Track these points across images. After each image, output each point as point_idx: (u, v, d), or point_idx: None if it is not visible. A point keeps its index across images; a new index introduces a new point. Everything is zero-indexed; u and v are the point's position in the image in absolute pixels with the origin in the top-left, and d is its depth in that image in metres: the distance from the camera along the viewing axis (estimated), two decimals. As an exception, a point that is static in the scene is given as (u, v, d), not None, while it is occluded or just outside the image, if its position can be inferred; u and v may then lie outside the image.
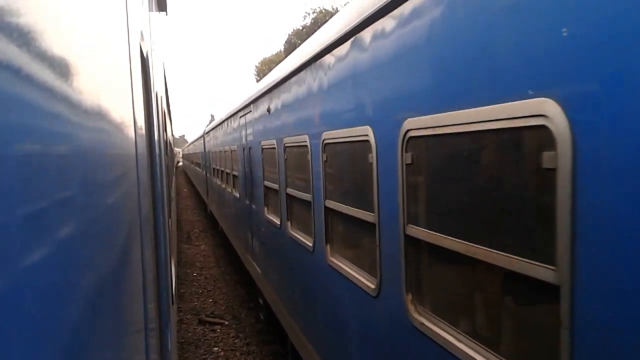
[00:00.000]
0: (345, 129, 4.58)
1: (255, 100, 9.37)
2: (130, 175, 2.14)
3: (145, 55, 3.38)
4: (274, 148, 7.60)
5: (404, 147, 3.40)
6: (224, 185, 16.90)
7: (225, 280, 15.18)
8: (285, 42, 63.58)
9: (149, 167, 3.44)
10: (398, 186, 3.53)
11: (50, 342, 0.86)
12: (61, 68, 1.01)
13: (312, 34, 6.72)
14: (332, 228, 5.42)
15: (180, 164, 77.08)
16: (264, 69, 64.11)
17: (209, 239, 22.36)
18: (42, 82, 0.87)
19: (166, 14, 7.93)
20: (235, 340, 10.53)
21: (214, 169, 21.13)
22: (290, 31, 64.24)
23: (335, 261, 5.16)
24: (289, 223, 7.21)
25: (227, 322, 11.58)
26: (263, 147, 8.69)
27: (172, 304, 6.33)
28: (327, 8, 59.14)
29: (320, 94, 5.29)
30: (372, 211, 4.04)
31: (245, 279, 13.57)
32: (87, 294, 1.16)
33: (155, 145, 4.15)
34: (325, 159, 5.28)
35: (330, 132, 5.00)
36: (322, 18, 52.66)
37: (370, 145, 3.96)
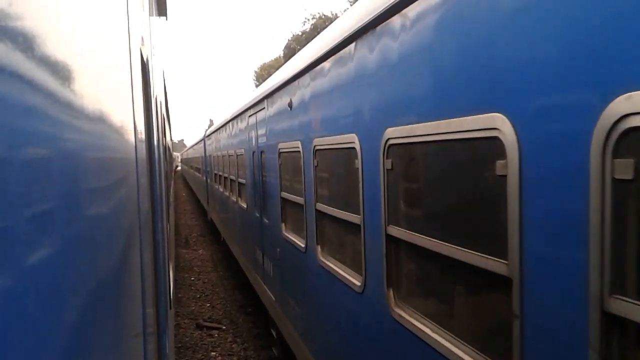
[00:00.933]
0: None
1: (270, 95, 7.93)
2: (130, 179, 2.14)
3: (145, 60, 3.39)
4: (298, 152, 6.20)
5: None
6: (227, 194, 15.46)
7: (223, 285, 15.16)
8: (285, 47, 63.67)
9: (148, 172, 3.44)
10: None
11: (48, 345, 0.86)
12: (63, 72, 1.01)
13: (312, 39, 6.65)
14: (396, 264, 3.81)
15: (179, 168, 77.06)
16: (263, 74, 64.18)
17: (207, 243, 22.33)
18: (43, 86, 0.88)
19: (166, 19, 7.95)
20: (233, 345, 10.51)
21: (215, 174, 19.63)
22: (289, 37, 64.35)
23: (402, 314, 3.65)
24: (319, 248, 5.71)
25: (224, 327, 11.55)
26: (281, 150, 7.27)
27: (170, 308, 6.32)
28: (326, 14, 59.24)
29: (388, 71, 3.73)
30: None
31: (242, 283, 13.55)
32: (86, 297, 1.17)
33: (155, 150, 4.16)
34: (390, 166, 3.72)
35: (400, 129, 3.50)
36: (321, 24, 52.73)
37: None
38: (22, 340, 0.73)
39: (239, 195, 12.68)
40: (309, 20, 61.26)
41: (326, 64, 5.03)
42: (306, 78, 5.77)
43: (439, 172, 3.35)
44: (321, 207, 5.53)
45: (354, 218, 4.48)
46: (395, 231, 3.72)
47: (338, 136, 4.72)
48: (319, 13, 61.57)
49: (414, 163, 3.68)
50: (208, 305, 13.34)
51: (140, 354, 2.24)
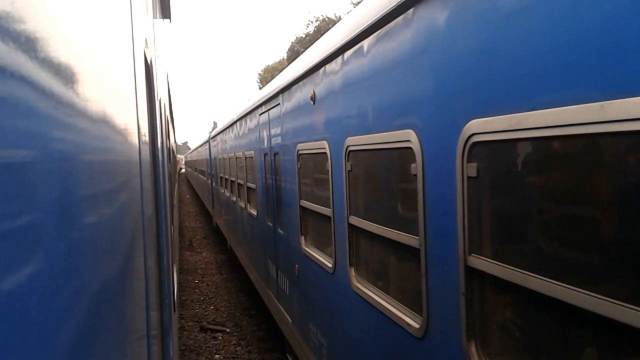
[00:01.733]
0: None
1: (287, 88, 6.89)
2: (134, 182, 2.14)
3: (149, 62, 3.39)
4: (324, 153, 5.27)
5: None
6: (234, 199, 14.29)
7: (227, 288, 15.16)
8: (288, 49, 63.81)
9: (152, 174, 3.44)
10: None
11: (53, 347, 0.85)
12: (65, 74, 1.01)
13: (315, 41, 6.50)
14: (482, 312, 2.82)
15: (183, 170, 77.24)
16: (267, 77, 64.29)
17: (211, 246, 22.35)
18: (46, 88, 0.88)
19: (170, 21, 7.97)
20: (237, 348, 10.50)
21: (221, 178, 18.43)
22: (293, 39, 64.50)
23: None
24: (353, 271, 4.70)
25: (228, 330, 11.55)
26: (300, 152, 6.31)
27: (174, 311, 6.32)
28: (330, 16, 59.36)
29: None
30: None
31: (246, 286, 13.55)
32: (90, 299, 1.16)
33: (159, 152, 4.16)
34: (476, 173, 2.69)
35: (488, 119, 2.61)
36: (325, 26, 52.83)
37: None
38: (27, 343, 0.73)
39: (248, 201, 11.65)
40: (312, 22, 61.53)
41: (368, 42, 4.02)
42: (335, 63, 4.81)
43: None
44: (356, 221, 4.54)
45: (406, 238, 3.57)
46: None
47: (386, 134, 3.74)
48: (322, 15, 61.78)
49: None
50: (212, 307, 13.35)
51: (144, 357, 2.23)
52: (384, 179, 4.30)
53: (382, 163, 4.24)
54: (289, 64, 9.11)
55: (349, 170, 4.67)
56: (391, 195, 4.13)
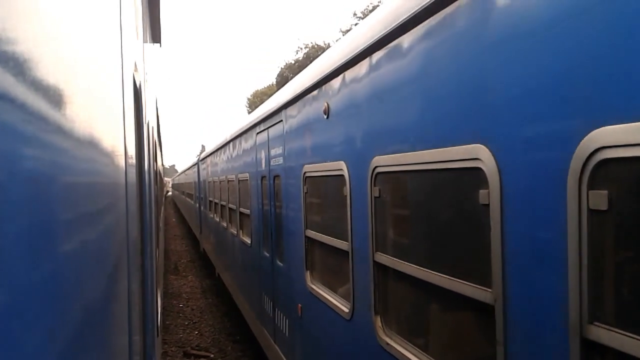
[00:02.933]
0: None
1: (292, 103, 6.10)
2: (119, 204, 2.14)
3: (138, 85, 3.41)
4: (340, 176, 4.46)
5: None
6: (224, 224, 13.25)
7: (212, 312, 14.97)
8: (278, 75, 64.24)
9: (138, 197, 3.43)
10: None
11: None
12: (53, 96, 1.02)
13: (304, 68, 6.43)
14: None
15: (170, 193, 76.76)
16: (255, 101, 64.58)
17: (196, 269, 22.11)
18: (33, 110, 0.88)
19: (160, 46, 8.03)
20: (221, 374, 10.33)
21: (210, 202, 17.40)
22: (282, 65, 65.00)
23: None
24: (379, 321, 3.82)
25: (212, 356, 11.37)
26: (307, 174, 5.51)
27: (157, 336, 6.23)
28: (319, 43, 60.01)
29: None
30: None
31: (232, 311, 13.39)
32: (71, 323, 1.15)
33: (145, 175, 4.15)
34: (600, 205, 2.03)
35: None
36: (314, 53, 53.36)
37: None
38: None
39: (240, 227, 10.77)
40: (302, 49, 62.04)
41: (411, 36, 3.21)
42: (360, 68, 4.02)
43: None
44: (385, 259, 3.71)
45: (471, 290, 2.65)
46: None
47: (437, 151, 2.91)
48: (311, 42, 62.39)
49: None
50: (196, 332, 13.15)
51: (125, 382, 2.20)
52: (429, 210, 3.38)
53: (428, 188, 3.36)
54: (278, 89, 8.87)
55: (376, 197, 3.81)
56: (442, 231, 3.22)
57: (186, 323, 13.98)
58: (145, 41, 5.25)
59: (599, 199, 1.82)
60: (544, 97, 2.11)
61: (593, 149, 1.83)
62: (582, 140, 1.88)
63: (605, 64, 1.84)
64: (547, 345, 2.12)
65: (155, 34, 7.57)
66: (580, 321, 1.91)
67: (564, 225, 1.96)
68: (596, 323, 1.87)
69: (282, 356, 6.99)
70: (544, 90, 2.11)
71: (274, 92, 8.93)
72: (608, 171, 1.83)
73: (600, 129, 1.81)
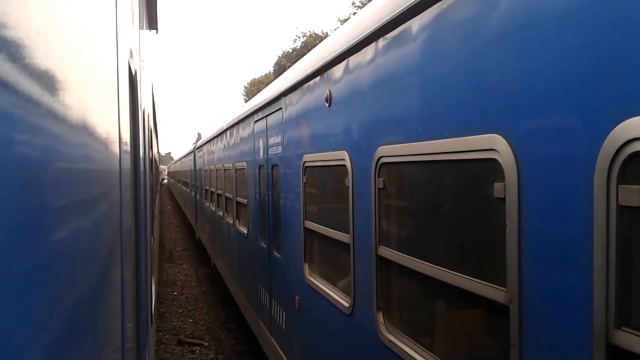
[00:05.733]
0: None
1: (291, 90, 5.94)
2: (112, 192, 2.13)
3: (133, 72, 3.38)
4: (342, 166, 4.33)
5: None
6: (220, 214, 13.14)
7: (206, 300, 15.02)
8: (275, 64, 64.01)
9: (132, 184, 3.41)
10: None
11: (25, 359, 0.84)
12: (46, 82, 1.01)
13: (302, 56, 6.29)
14: None
15: (165, 181, 76.70)
16: (252, 90, 64.40)
17: (191, 257, 22.15)
18: (25, 95, 0.87)
19: (157, 32, 7.97)
20: (214, 362, 10.38)
21: (206, 190, 17.14)
22: (280, 53, 64.75)
23: None
24: (381, 317, 3.68)
25: (206, 343, 11.42)
26: (307, 164, 5.38)
27: (151, 323, 6.24)
28: (317, 32, 59.76)
29: None
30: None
31: (226, 299, 13.43)
32: (63, 310, 1.15)
33: (140, 163, 4.14)
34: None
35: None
36: (312, 42, 53.17)
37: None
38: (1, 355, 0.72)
39: (237, 217, 10.61)
40: (299, 38, 61.79)
41: (420, 20, 3.09)
42: (364, 54, 3.85)
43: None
44: (390, 254, 3.58)
45: (485, 289, 2.52)
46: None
47: (447, 141, 2.78)
48: (309, 31, 62.14)
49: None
50: (190, 320, 13.19)
51: (118, 370, 2.20)
52: (438, 203, 3.26)
53: (437, 180, 3.26)
54: (275, 78, 8.82)
55: (380, 188, 3.66)
56: (452, 225, 3.09)
57: (180, 311, 14.02)
58: (141, 28, 5.21)
59: (630, 194, 1.70)
60: (569, 84, 1.98)
61: (623, 141, 1.71)
62: (612, 132, 1.76)
63: (637, 48, 1.73)
64: (567, 350, 1.99)
65: (151, 21, 7.52)
66: (606, 325, 1.78)
67: (589, 221, 1.84)
68: (624, 328, 1.74)
69: (278, 348, 6.91)
70: (569, 77, 1.99)
71: (271, 81, 8.86)
72: None
73: (631, 119, 1.70)
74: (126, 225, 2.72)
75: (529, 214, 2.19)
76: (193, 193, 24.25)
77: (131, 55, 3.24)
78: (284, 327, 6.66)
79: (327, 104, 4.65)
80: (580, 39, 1.94)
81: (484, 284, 2.50)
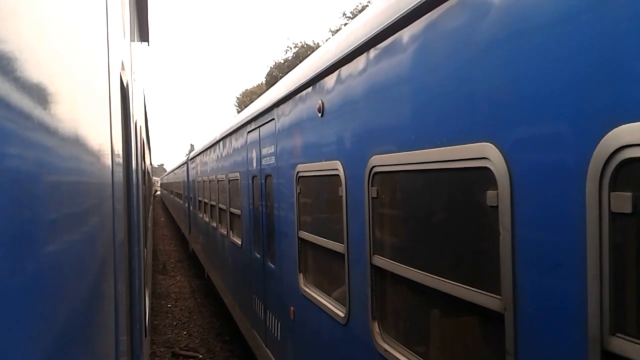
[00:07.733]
0: None
1: (284, 101, 5.96)
2: (105, 204, 2.12)
3: (125, 84, 3.38)
4: (335, 175, 4.34)
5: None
6: (214, 225, 13.12)
7: (201, 312, 14.92)
8: (267, 74, 64.14)
9: (125, 197, 3.40)
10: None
11: None
12: (39, 95, 1.01)
13: (294, 67, 6.30)
14: None
15: (158, 193, 76.39)
16: (245, 100, 64.44)
17: (185, 269, 22.03)
18: (17, 108, 0.87)
19: (148, 45, 7.98)
20: (209, 375, 10.30)
21: (200, 201, 17.15)
22: (272, 64, 64.92)
23: None
24: (377, 327, 3.69)
25: (201, 356, 11.33)
26: (301, 174, 5.39)
27: (145, 336, 6.19)
28: (308, 43, 60.00)
29: None
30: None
31: (221, 310, 13.35)
32: (57, 325, 1.14)
33: (133, 175, 4.13)
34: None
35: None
36: (303, 52, 53.34)
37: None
38: None
39: (231, 228, 10.59)
40: (291, 48, 62.00)
41: (411, 31, 3.12)
42: (357, 64, 3.86)
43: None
44: (383, 262, 3.58)
45: (479, 297, 2.53)
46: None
47: (438, 150, 2.82)
48: (301, 42, 62.38)
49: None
50: (185, 333, 13.10)
51: (111, 383, 2.18)
52: (431, 212, 3.29)
53: (430, 189, 3.27)
54: (267, 89, 8.89)
55: (373, 197, 3.68)
56: (446, 234, 3.09)
57: (175, 323, 13.92)
58: (132, 40, 5.22)
59: (622, 201, 1.71)
60: (560, 92, 1.99)
61: (615, 148, 1.72)
62: (603, 139, 1.76)
63: (628, 55, 1.73)
64: (563, 357, 2.02)
65: (143, 33, 7.54)
66: (600, 332, 1.79)
67: (582, 229, 1.85)
68: (619, 334, 1.75)
69: (274, 359, 6.84)
70: (560, 85, 2.00)
71: (264, 92, 8.88)
72: (632, 171, 1.71)
73: (623, 126, 1.70)
74: (119, 238, 2.71)
75: (522, 222, 2.20)
76: (186, 204, 24.14)
77: (123, 68, 3.24)
78: (279, 338, 6.62)
79: (319, 114, 4.66)
80: (571, 47, 1.95)
81: (478, 292, 2.52)
